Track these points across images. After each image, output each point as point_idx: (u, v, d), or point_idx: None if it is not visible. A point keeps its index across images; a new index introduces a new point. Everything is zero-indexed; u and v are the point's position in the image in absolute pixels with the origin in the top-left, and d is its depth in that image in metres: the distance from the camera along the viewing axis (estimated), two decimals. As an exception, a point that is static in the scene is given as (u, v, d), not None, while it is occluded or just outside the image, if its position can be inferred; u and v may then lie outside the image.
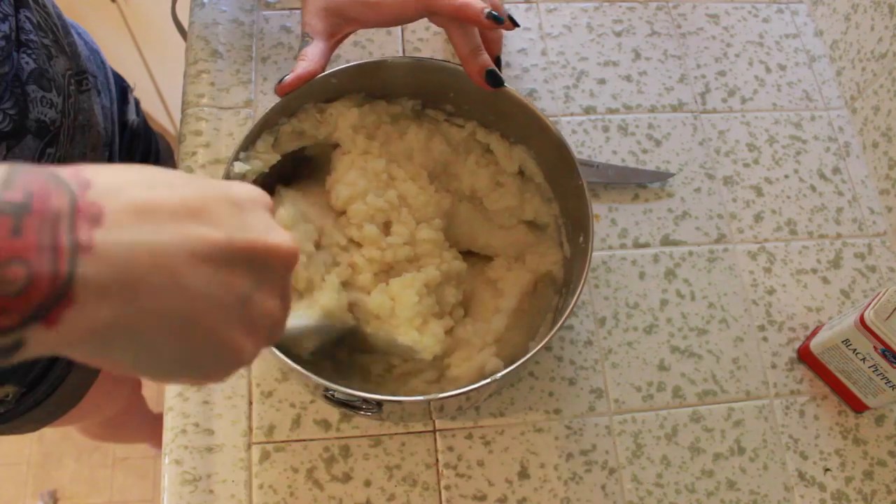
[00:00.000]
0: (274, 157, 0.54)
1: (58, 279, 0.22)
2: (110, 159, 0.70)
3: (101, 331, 0.24)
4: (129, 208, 0.24)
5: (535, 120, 0.55)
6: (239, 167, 0.51)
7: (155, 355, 0.26)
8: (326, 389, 0.45)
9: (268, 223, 0.30)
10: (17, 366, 0.67)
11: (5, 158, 0.53)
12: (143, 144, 0.81)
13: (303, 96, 0.54)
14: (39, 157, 0.56)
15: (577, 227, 0.55)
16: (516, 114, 0.56)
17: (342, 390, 0.45)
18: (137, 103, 0.82)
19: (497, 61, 0.56)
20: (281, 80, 0.52)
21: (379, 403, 0.46)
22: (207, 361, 0.28)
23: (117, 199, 0.24)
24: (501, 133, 0.60)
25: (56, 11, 0.63)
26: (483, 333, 0.54)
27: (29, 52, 0.55)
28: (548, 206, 0.59)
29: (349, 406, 0.48)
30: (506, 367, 0.48)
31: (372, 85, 0.57)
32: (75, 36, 0.65)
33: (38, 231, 0.22)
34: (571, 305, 0.49)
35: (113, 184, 0.25)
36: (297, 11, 0.74)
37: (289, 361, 0.45)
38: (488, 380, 0.47)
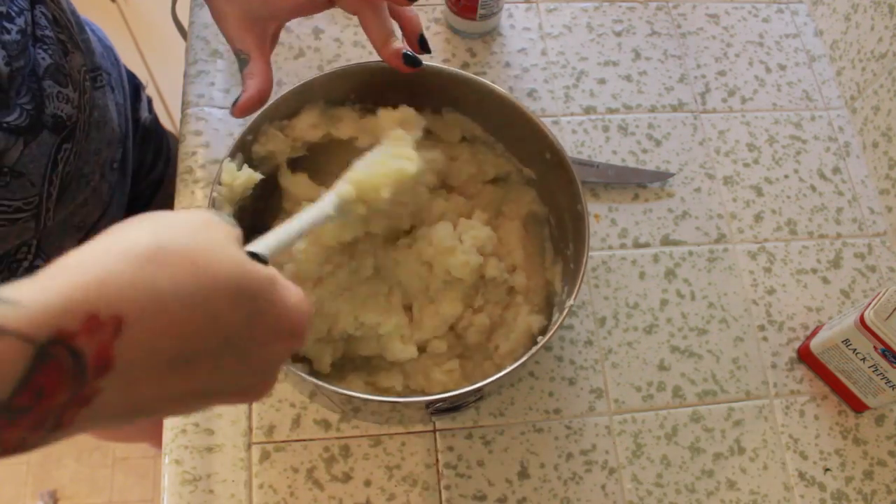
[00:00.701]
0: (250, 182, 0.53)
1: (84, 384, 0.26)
2: (124, 156, 0.71)
3: (121, 410, 0.28)
4: (149, 321, 0.26)
5: (524, 121, 0.55)
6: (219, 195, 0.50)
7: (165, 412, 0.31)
8: (431, 404, 0.46)
9: (269, 369, 0.33)
10: None
11: (22, 153, 0.53)
12: (154, 142, 0.82)
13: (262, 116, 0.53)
14: (56, 152, 0.56)
15: (574, 228, 0.55)
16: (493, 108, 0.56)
17: (347, 393, 0.45)
18: (150, 101, 0.83)
19: (422, 39, 0.54)
20: (235, 103, 0.51)
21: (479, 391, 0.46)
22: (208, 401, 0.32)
23: (137, 313, 0.26)
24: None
25: (70, 8, 0.63)
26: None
27: (45, 47, 0.55)
28: (505, 161, 0.60)
29: (454, 409, 0.48)
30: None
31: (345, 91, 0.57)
32: (89, 33, 0.66)
33: (39, 416, 0.26)
34: (569, 303, 0.49)
35: (130, 293, 0.26)
36: (297, 11, 0.74)
37: (314, 380, 0.45)
38: (485, 381, 0.46)
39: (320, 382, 0.45)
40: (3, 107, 0.51)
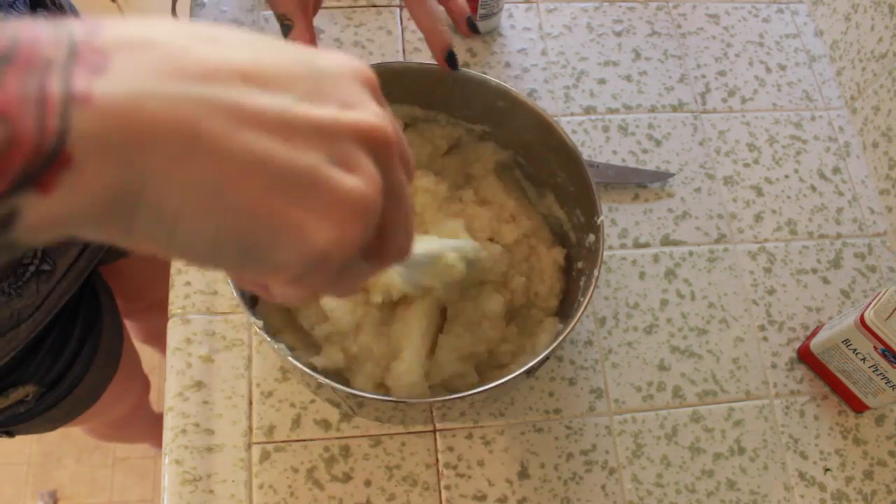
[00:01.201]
0: None
1: (46, 136, 0.18)
2: None
3: (111, 199, 0.20)
4: (151, 62, 0.20)
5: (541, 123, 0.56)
6: None
7: (187, 233, 0.21)
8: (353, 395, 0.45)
9: (355, 97, 0.24)
10: (37, 366, 0.67)
11: None
12: None
13: None
14: None
15: (587, 227, 0.55)
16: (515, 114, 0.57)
17: (362, 394, 0.45)
18: None
19: (470, 21, 0.55)
20: None
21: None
22: (264, 246, 0.22)
23: (135, 51, 0.20)
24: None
25: (70, 6, 0.63)
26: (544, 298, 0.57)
27: None
28: (452, 128, 0.60)
29: None
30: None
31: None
32: None
33: (19, 82, 0.18)
34: (580, 314, 0.49)
35: (135, 34, 0.20)
36: (298, 11, 0.74)
37: (318, 377, 0.45)
38: (490, 385, 0.46)
39: (324, 379, 0.45)
40: None
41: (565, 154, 0.55)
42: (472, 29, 0.54)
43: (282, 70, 0.22)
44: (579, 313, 0.48)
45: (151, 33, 0.20)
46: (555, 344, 0.47)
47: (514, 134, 0.58)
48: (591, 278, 0.51)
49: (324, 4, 0.75)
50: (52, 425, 0.77)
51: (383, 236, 0.26)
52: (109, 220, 0.21)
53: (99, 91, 0.19)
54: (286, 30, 0.51)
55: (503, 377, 0.46)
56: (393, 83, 0.56)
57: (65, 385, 0.72)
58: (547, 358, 0.47)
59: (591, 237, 0.54)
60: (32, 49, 0.19)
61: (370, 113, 0.24)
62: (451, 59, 0.53)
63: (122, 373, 0.83)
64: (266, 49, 0.23)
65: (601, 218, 0.52)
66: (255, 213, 0.21)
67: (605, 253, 0.66)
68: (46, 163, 0.18)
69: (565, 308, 0.57)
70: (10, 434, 0.73)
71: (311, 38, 0.52)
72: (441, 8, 0.54)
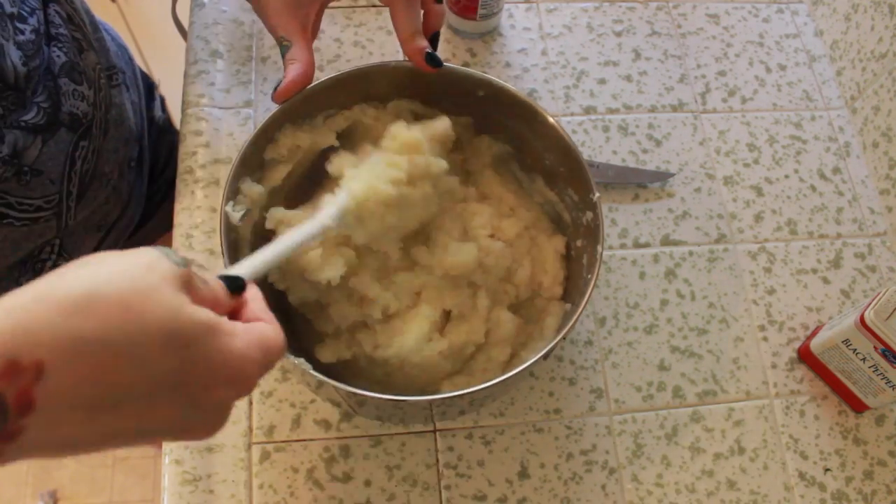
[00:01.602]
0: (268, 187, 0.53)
1: None
2: (140, 154, 0.71)
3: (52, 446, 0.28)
4: (54, 421, 0.27)
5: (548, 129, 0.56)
6: (232, 212, 0.50)
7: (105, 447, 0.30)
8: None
9: (214, 415, 0.32)
10: None
11: (41, 151, 0.54)
12: (168, 141, 0.82)
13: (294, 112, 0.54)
14: (73, 150, 0.57)
15: (582, 205, 0.56)
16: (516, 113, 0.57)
17: (366, 394, 0.45)
18: (163, 100, 0.83)
19: (435, 36, 0.55)
20: (275, 88, 0.51)
21: None
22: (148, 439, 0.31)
23: (58, 355, 0.27)
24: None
25: (84, 7, 0.63)
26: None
27: (60, 45, 0.56)
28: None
29: None
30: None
31: (366, 90, 0.57)
32: (103, 32, 0.66)
33: None
34: (579, 312, 0.49)
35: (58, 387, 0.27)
36: (298, 11, 0.74)
37: (320, 376, 0.45)
38: (489, 383, 0.46)
39: (324, 378, 0.45)
40: (20, 106, 0.51)
41: (551, 137, 0.55)
42: (432, 45, 0.54)
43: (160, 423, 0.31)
44: (589, 290, 0.49)
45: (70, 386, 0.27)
46: (568, 326, 0.48)
47: (499, 123, 0.58)
48: (594, 254, 0.51)
49: (324, 4, 0.75)
50: None
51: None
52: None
53: (10, 450, 0.26)
54: (285, 49, 0.52)
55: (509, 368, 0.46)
56: (386, 82, 0.56)
57: None
58: (549, 354, 0.47)
59: (589, 214, 0.54)
60: None
61: (225, 420, 0.33)
62: (431, 59, 0.53)
63: None
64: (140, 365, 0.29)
65: (597, 195, 0.52)
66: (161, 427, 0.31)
67: (606, 253, 0.66)
68: None
69: (570, 293, 0.57)
70: None
71: (310, 58, 0.52)
72: (420, 12, 0.54)
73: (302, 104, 0.53)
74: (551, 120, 0.55)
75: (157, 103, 0.81)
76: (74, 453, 0.29)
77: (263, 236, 0.51)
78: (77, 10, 0.60)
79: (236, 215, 0.49)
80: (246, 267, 0.38)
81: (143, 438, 0.30)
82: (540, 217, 0.60)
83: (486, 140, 0.60)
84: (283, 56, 0.52)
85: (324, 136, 0.56)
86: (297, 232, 0.44)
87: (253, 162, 0.52)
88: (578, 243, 0.57)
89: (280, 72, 0.71)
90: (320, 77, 0.53)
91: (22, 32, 0.51)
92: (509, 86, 0.55)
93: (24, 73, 0.51)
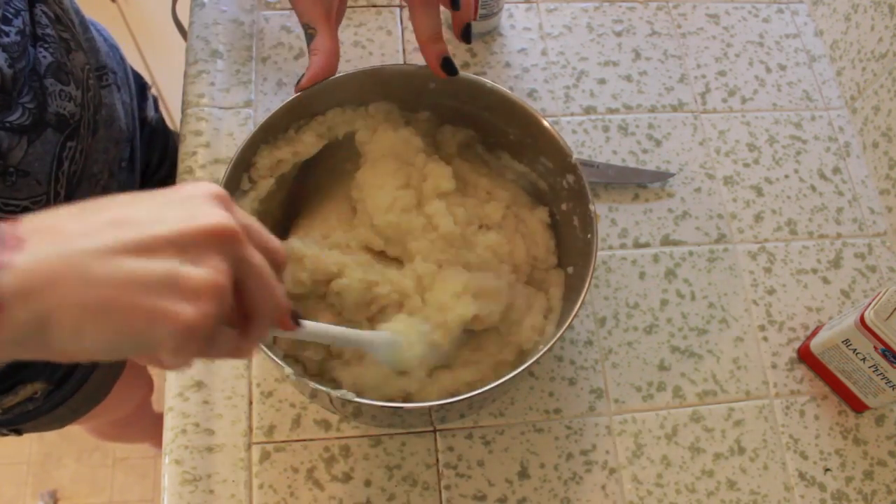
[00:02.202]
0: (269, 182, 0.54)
1: None
2: (132, 155, 0.71)
3: (31, 327, 0.29)
4: (51, 233, 0.30)
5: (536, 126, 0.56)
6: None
7: (87, 336, 0.30)
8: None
9: (200, 209, 0.32)
10: (45, 364, 0.68)
11: (26, 152, 0.53)
12: (161, 142, 0.82)
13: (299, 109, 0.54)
14: (60, 151, 0.56)
15: (559, 170, 0.57)
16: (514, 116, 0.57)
17: (357, 400, 0.45)
18: (156, 101, 0.83)
19: (467, 28, 0.55)
20: (299, 80, 0.52)
21: None
22: (141, 332, 0.30)
23: (40, 230, 0.30)
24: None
25: (74, 7, 0.63)
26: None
27: (46, 45, 0.55)
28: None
29: None
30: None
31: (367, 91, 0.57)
32: (94, 32, 0.66)
33: None
34: (576, 309, 0.49)
35: (42, 221, 0.30)
36: (298, 11, 0.74)
37: (316, 385, 0.45)
38: (488, 386, 0.46)
39: (320, 387, 0.45)
40: (5, 107, 0.51)
41: (510, 110, 0.56)
42: (465, 38, 0.55)
43: (141, 209, 0.31)
44: (594, 251, 0.50)
45: (54, 219, 0.30)
46: (581, 297, 0.49)
47: (456, 110, 0.59)
48: (587, 214, 0.53)
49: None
50: (60, 423, 0.77)
51: (248, 307, 0.34)
52: (31, 340, 0.29)
53: (17, 260, 0.28)
54: (310, 38, 0.52)
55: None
56: (370, 86, 0.56)
57: (72, 382, 0.72)
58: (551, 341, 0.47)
59: (570, 177, 0.55)
60: None
61: (214, 217, 0.32)
62: (447, 65, 0.53)
63: (129, 371, 0.84)
64: (125, 201, 0.32)
65: (574, 157, 0.53)
66: (133, 312, 0.30)
67: (606, 253, 0.66)
68: None
69: (565, 258, 0.58)
70: (19, 432, 0.73)
71: (334, 45, 0.52)
72: (440, 13, 0.54)
73: (282, 117, 0.54)
74: (506, 92, 0.55)
75: (150, 103, 0.80)
76: (54, 326, 0.29)
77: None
78: (66, 10, 0.60)
79: None
80: (307, 323, 0.41)
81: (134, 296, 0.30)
82: (517, 193, 0.60)
83: (449, 129, 0.61)
84: (308, 44, 0.52)
85: (304, 147, 0.56)
86: (349, 332, 0.47)
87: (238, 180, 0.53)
88: (563, 207, 0.57)
89: (280, 72, 0.71)
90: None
91: (7, 35, 0.51)
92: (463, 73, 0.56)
93: (9, 76, 0.51)
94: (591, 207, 0.52)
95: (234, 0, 0.74)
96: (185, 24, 0.74)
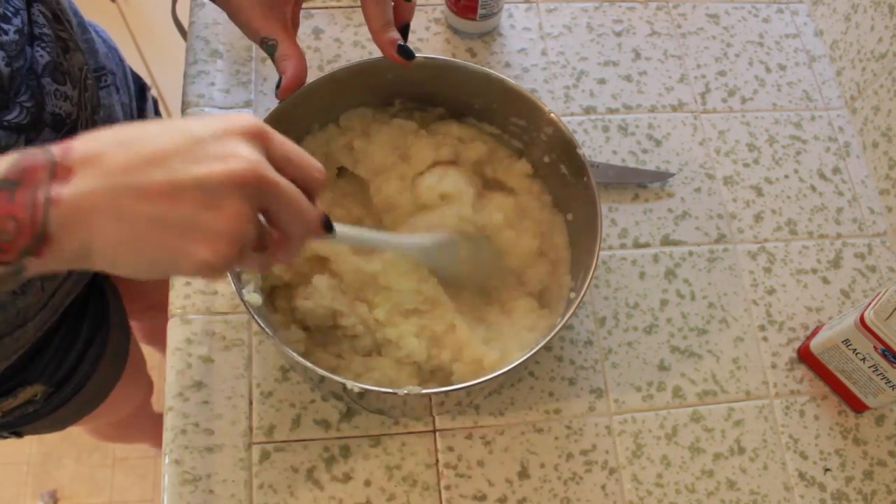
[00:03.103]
0: None
1: (35, 226, 0.32)
2: None
3: (76, 254, 0.34)
4: (93, 167, 0.33)
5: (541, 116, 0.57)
6: None
7: (123, 263, 0.35)
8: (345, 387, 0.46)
9: (229, 150, 0.35)
10: (45, 366, 0.68)
11: None
12: None
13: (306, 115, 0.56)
14: None
15: (534, 127, 0.58)
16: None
17: (359, 386, 0.46)
18: (156, 102, 0.83)
19: (406, 28, 0.56)
20: (277, 86, 0.52)
21: None
22: (168, 264, 0.35)
23: (85, 160, 0.33)
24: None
25: (72, 8, 0.63)
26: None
27: (43, 45, 0.55)
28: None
29: None
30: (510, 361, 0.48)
31: (365, 89, 0.59)
32: (92, 33, 0.66)
33: (24, 197, 0.32)
34: (574, 306, 0.49)
35: (90, 148, 0.34)
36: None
37: (317, 368, 0.46)
38: (488, 376, 0.47)
39: (326, 373, 0.45)
40: (3, 106, 0.51)
41: (474, 81, 0.57)
42: (403, 36, 0.55)
43: (179, 145, 0.34)
44: (596, 198, 0.52)
45: (101, 147, 0.34)
46: (594, 263, 0.51)
47: (421, 95, 0.60)
48: (576, 159, 0.55)
49: (324, 5, 0.75)
50: (60, 425, 0.77)
51: (280, 229, 0.38)
52: (78, 263, 0.35)
53: (65, 195, 0.33)
54: (272, 49, 0.52)
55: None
56: (335, 91, 0.58)
57: (72, 385, 0.72)
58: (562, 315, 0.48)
59: (548, 129, 0.57)
60: (32, 173, 0.33)
61: (239, 161, 0.34)
62: (403, 50, 0.53)
63: (129, 373, 0.83)
64: (165, 134, 0.35)
65: (549, 110, 0.55)
66: (159, 248, 0.35)
67: (606, 253, 0.66)
68: (37, 241, 0.33)
69: (559, 204, 0.60)
70: (19, 434, 0.73)
71: (299, 52, 0.53)
72: (391, 5, 0.55)
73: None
74: (464, 63, 0.57)
75: (150, 105, 0.80)
76: (116, 220, 0.33)
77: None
78: (63, 10, 0.60)
79: (256, 296, 0.51)
80: (340, 227, 0.44)
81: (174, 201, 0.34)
82: (496, 146, 0.62)
83: (418, 115, 0.62)
84: (272, 56, 0.53)
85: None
86: (383, 236, 0.50)
87: None
88: (546, 159, 0.59)
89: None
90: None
91: (5, 33, 0.51)
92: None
93: (7, 74, 0.51)
94: (579, 152, 0.54)
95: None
96: (185, 24, 0.74)
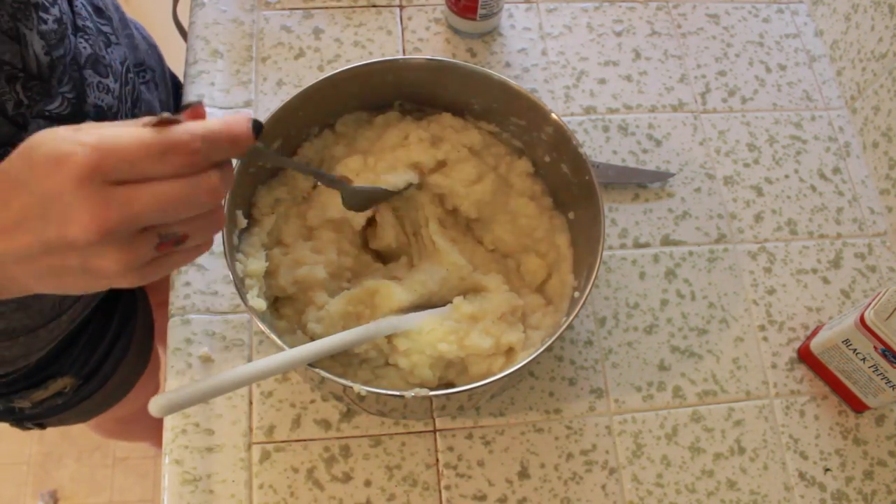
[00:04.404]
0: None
1: None
2: None
3: None
4: None
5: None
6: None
7: (50, 291, 0.37)
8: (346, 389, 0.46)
9: (68, 209, 0.33)
10: (75, 359, 0.69)
11: None
12: None
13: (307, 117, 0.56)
14: None
15: (534, 126, 0.58)
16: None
17: (361, 388, 0.46)
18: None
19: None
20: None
21: None
22: (93, 288, 0.36)
23: None
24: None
25: (114, 3, 0.64)
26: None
27: (86, 37, 0.56)
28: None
29: None
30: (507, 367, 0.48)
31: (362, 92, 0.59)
32: (133, 29, 0.67)
33: None
34: (580, 304, 0.49)
35: None
36: (298, 11, 0.74)
37: (324, 373, 0.46)
38: (490, 379, 0.47)
39: (326, 374, 0.45)
40: (45, 95, 0.52)
41: (474, 82, 0.57)
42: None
43: (28, 215, 0.33)
44: (597, 192, 0.52)
45: None
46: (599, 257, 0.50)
47: (420, 96, 0.60)
48: (577, 157, 0.54)
49: (324, 5, 0.75)
50: (84, 417, 0.78)
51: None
52: None
53: None
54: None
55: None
56: (332, 95, 0.57)
57: (98, 378, 0.73)
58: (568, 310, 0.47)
59: (548, 129, 0.57)
60: None
61: (78, 225, 0.32)
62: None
63: (150, 370, 0.84)
64: (20, 198, 0.33)
65: (550, 111, 0.55)
66: (75, 285, 0.36)
67: (606, 253, 0.66)
68: None
69: (563, 205, 0.60)
70: (42, 426, 0.74)
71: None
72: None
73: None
74: (472, 68, 0.57)
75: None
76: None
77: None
78: (106, 5, 0.61)
79: (260, 301, 0.50)
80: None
81: (49, 255, 0.34)
82: (493, 142, 0.62)
83: (416, 117, 0.62)
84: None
85: (302, 183, 0.58)
86: (356, 331, 0.50)
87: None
88: (546, 158, 0.59)
89: (280, 72, 0.71)
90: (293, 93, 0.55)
91: (45, 22, 0.51)
92: (405, 58, 0.57)
93: (46, 63, 0.51)
94: (581, 151, 0.54)
95: (234, 0, 0.74)
96: (185, 24, 0.74)
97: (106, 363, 0.73)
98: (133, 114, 0.62)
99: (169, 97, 0.75)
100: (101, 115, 0.57)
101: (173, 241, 0.36)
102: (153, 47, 0.74)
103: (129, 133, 0.33)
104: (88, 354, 0.70)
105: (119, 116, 0.59)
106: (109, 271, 0.34)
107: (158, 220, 0.34)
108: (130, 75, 0.62)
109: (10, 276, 0.35)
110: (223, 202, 0.37)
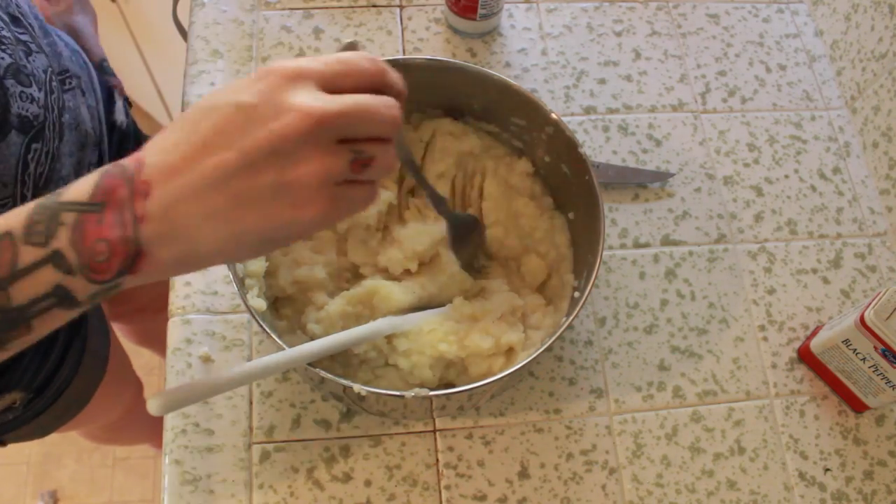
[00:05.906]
0: None
1: (128, 246, 0.33)
2: (100, 159, 0.70)
3: (173, 263, 0.35)
4: (166, 175, 0.33)
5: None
6: None
7: (234, 255, 0.36)
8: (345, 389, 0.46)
9: (279, 106, 0.34)
10: (23, 372, 0.67)
11: None
12: (133, 146, 0.80)
13: None
14: (25, 153, 0.56)
15: (534, 126, 0.58)
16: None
17: (361, 388, 0.46)
18: (127, 104, 0.82)
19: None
20: None
21: None
22: (278, 238, 0.36)
23: (159, 171, 0.34)
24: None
25: (33, 12, 0.63)
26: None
27: (3, 47, 0.55)
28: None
29: None
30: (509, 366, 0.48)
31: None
32: (55, 37, 0.65)
33: (112, 218, 0.33)
34: (581, 304, 0.49)
35: (156, 158, 0.34)
36: (298, 11, 0.74)
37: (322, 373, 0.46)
38: (490, 379, 0.47)
39: (326, 374, 0.45)
40: None
41: (474, 82, 0.58)
42: None
43: (225, 125, 0.34)
44: (597, 191, 0.53)
45: (162, 150, 0.34)
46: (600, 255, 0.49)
47: (420, 96, 0.60)
48: (578, 157, 0.55)
49: (324, 5, 0.75)
50: (43, 432, 0.76)
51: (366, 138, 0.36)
52: (179, 271, 0.36)
53: (150, 210, 0.33)
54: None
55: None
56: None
57: (52, 390, 0.71)
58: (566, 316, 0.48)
59: (549, 129, 0.57)
60: (115, 196, 0.33)
61: (293, 113, 0.33)
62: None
63: (112, 375, 0.82)
64: (212, 114, 0.34)
65: (550, 111, 0.56)
66: (261, 227, 0.35)
67: (606, 253, 0.66)
68: (132, 260, 0.34)
69: (563, 206, 0.60)
70: (2, 443, 0.72)
71: None
72: None
73: None
74: (463, 64, 0.58)
75: (119, 108, 0.78)
76: (200, 246, 0.34)
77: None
78: (24, 14, 0.60)
79: (261, 301, 0.50)
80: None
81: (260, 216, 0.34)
82: (492, 144, 0.62)
83: (416, 116, 0.62)
84: None
85: None
86: (355, 331, 0.50)
87: None
88: (547, 158, 0.60)
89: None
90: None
91: None
92: (405, 58, 0.57)
93: None
94: (581, 151, 0.54)
95: (234, 0, 0.74)
96: (186, 24, 0.74)
97: (58, 374, 0.71)
98: (61, 122, 0.61)
99: (98, 103, 0.72)
100: (27, 124, 0.56)
101: (362, 162, 0.36)
102: (76, 53, 0.72)
103: (316, 58, 0.36)
104: (37, 367, 0.68)
105: (46, 125, 0.58)
106: (306, 183, 0.33)
107: (357, 124, 0.35)
108: (54, 84, 0.61)
109: (178, 219, 0.33)
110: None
